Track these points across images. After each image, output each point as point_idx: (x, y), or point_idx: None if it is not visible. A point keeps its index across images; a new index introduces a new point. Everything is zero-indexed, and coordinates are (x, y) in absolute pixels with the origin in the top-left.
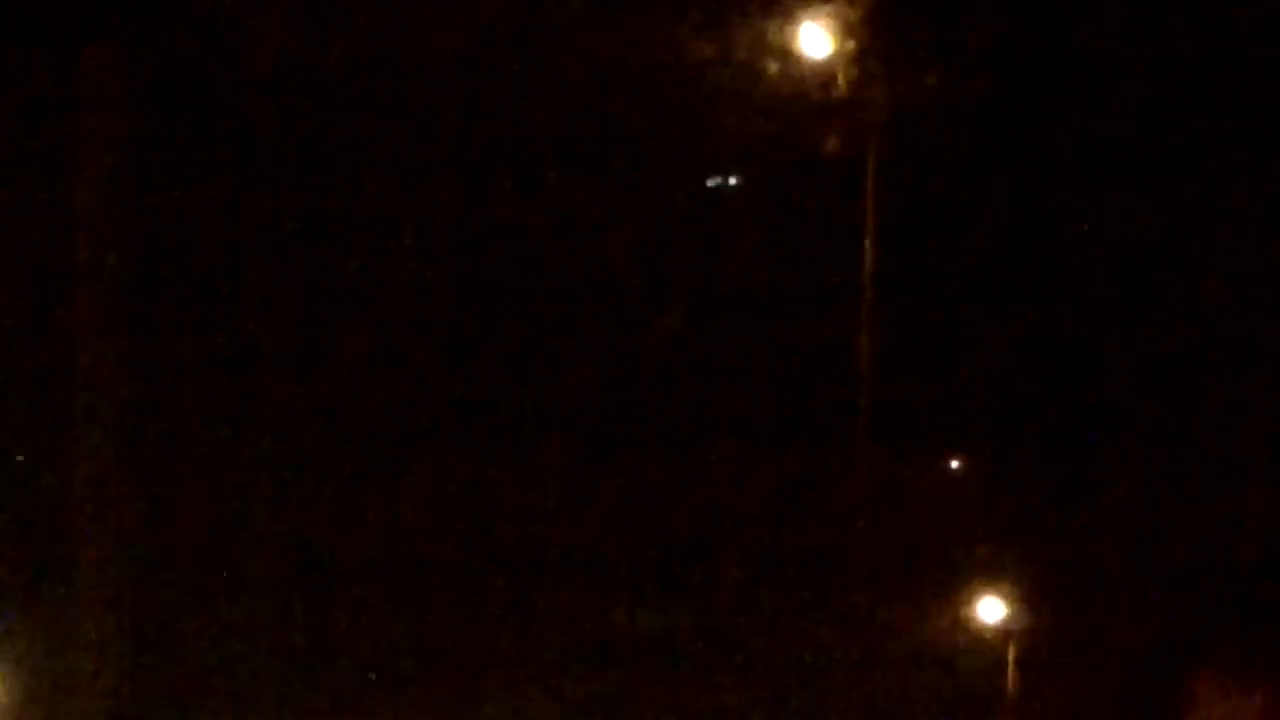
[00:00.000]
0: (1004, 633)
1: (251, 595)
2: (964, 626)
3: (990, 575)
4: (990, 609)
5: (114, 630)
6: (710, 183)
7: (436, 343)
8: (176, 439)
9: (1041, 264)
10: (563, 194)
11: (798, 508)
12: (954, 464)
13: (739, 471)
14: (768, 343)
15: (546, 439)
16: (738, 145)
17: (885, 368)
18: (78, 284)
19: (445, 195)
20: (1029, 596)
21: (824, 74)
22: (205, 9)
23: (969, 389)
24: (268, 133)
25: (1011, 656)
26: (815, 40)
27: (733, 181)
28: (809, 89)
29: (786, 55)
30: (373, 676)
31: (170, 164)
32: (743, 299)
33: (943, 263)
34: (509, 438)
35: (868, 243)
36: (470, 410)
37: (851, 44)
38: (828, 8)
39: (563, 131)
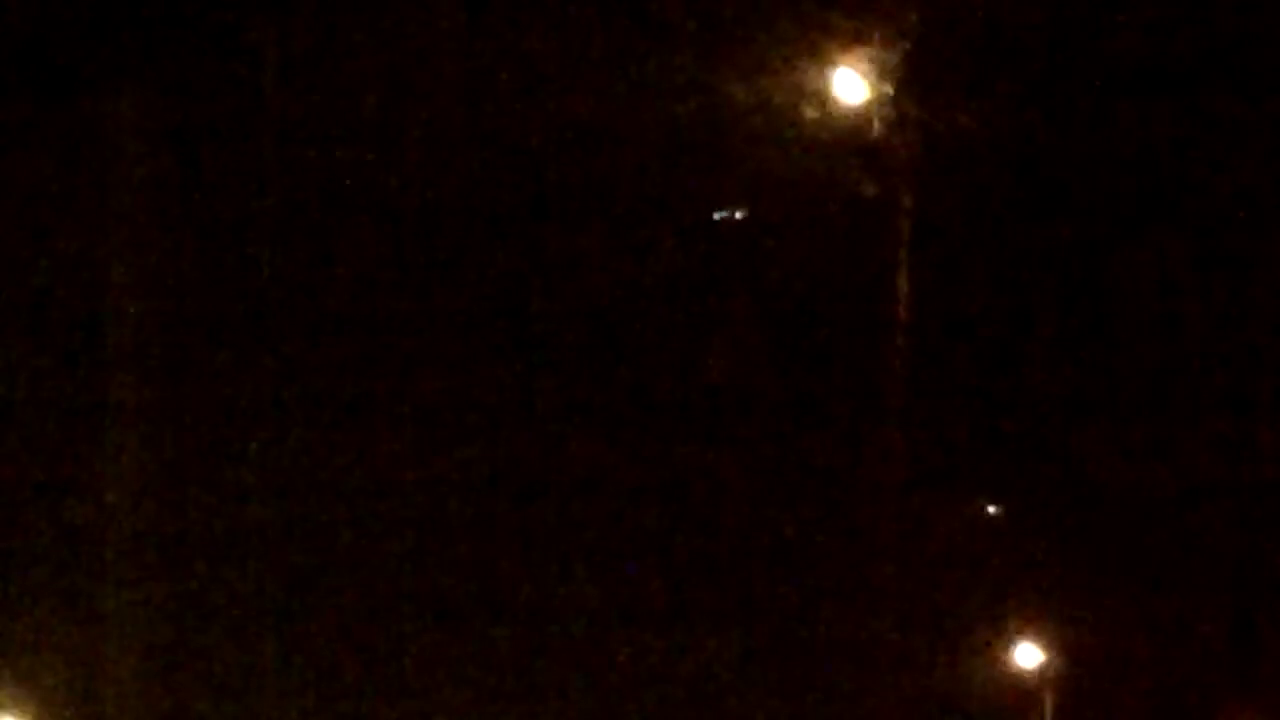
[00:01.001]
0: (1040, 677)
1: (282, 606)
2: (1000, 671)
3: (1026, 620)
4: (1026, 654)
5: (142, 647)
6: (717, 215)
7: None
8: (205, 461)
9: (1079, 306)
10: (598, 236)
11: (833, 551)
12: (990, 509)
13: (774, 514)
14: (802, 386)
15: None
16: (774, 186)
17: (920, 412)
18: (108, 324)
19: (471, 237)
20: (1065, 641)
21: (858, 116)
22: (229, 59)
23: (1004, 433)
24: (289, 174)
25: (1048, 701)
26: (850, 83)
27: (739, 215)
28: (843, 131)
29: (821, 98)
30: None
31: (196, 205)
32: (777, 340)
33: (978, 305)
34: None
35: (902, 284)
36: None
37: (886, 87)
38: (862, 51)
39: (599, 175)
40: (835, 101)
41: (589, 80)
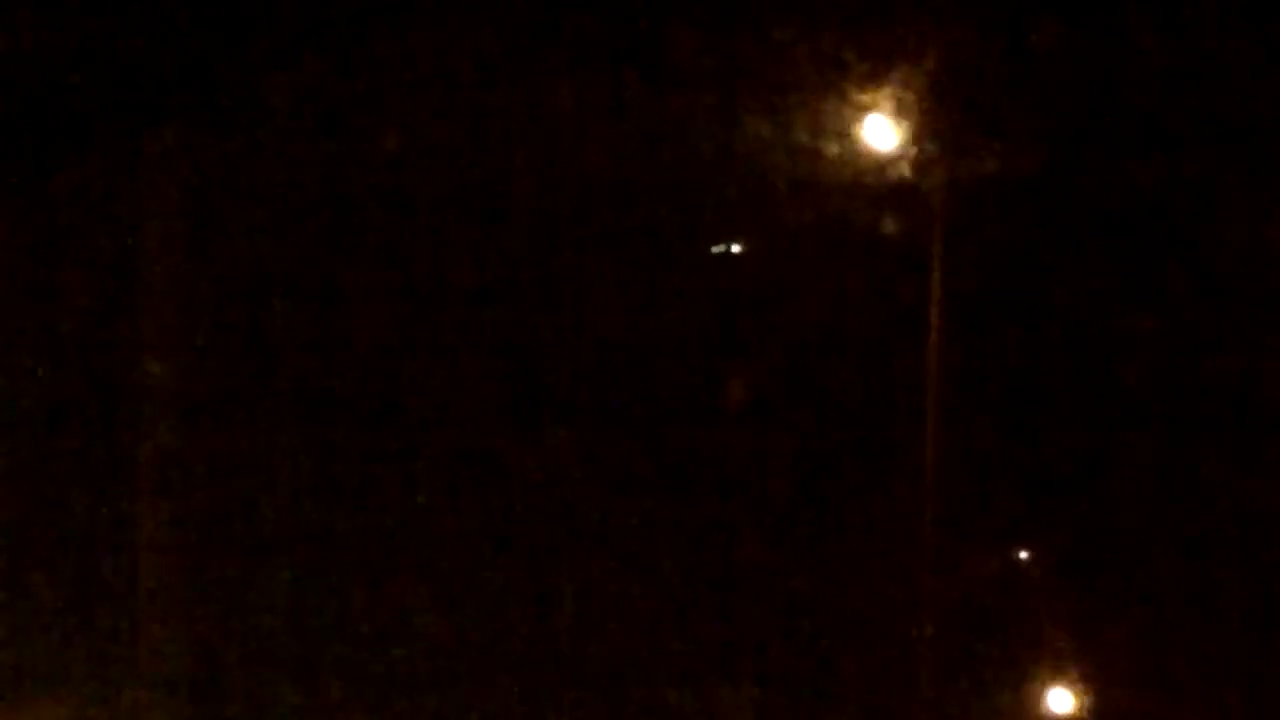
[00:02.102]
0: None
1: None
2: (1033, 718)
3: (1058, 667)
4: (1059, 700)
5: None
6: (715, 250)
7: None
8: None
9: (1113, 350)
10: (618, 280)
11: (863, 597)
12: (1022, 554)
13: (801, 558)
14: (830, 430)
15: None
16: (797, 228)
17: (950, 458)
18: (144, 365)
19: (508, 269)
20: (1097, 689)
21: (884, 156)
22: (263, 94)
23: (1037, 479)
24: (326, 212)
25: None
26: (875, 123)
27: (735, 249)
28: (870, 173)
29: (846, 137)
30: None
31: (230, 243)
32: (804, 386)
33: (1009, 350)
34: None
35: (932, 328)
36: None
37: (912, 125)
38: (887, 90)
39: (620, 219)
40: (860, 143)
41: (612, 124)
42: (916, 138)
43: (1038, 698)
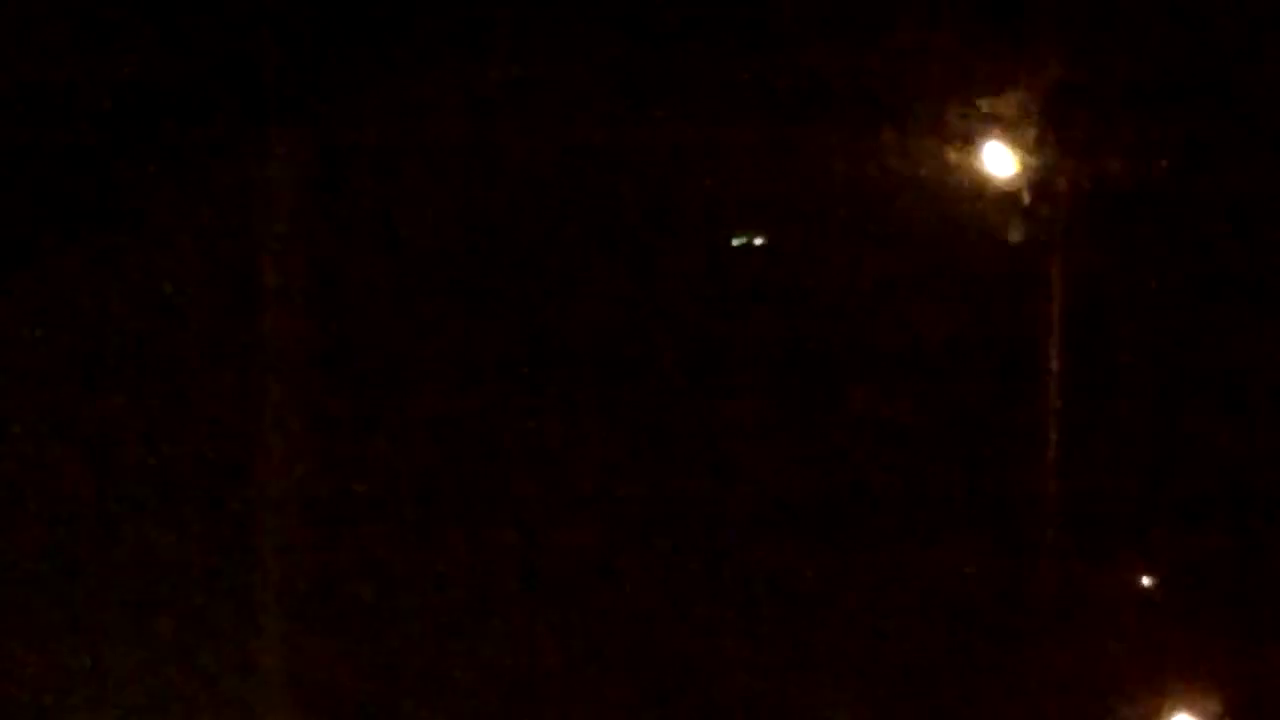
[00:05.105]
0: None
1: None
2: None
3: (1183, 693)
4: None
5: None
6: (736, 241)
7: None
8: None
9: (1243, 367)
10: (762, 281)
11: (983, 614)
12: (1145, 580)
13: (924, 572)
14: (951, 450)
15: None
16: (919, 236)
17: (1074, 479)
18: (265, 360)
19: (609, 275)
20: (1223, 710)
21: (1005, 163)
22: (384, 97)
23: (1162, 501)
24: (439, 212)
25: None
26: (998, 128)
27: (758, 242)
28: (990, 178)
29: (967, 142)
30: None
31: (351, 237)
32: (925, 405)
33: (1134, 369)
34: None
35: (1055, 348)
36: None
37: (1033, 132)
38: (1011, 96)
39: (756, 245)
40: (983, 148)
41: (747, 148)
42: (1040, 143)
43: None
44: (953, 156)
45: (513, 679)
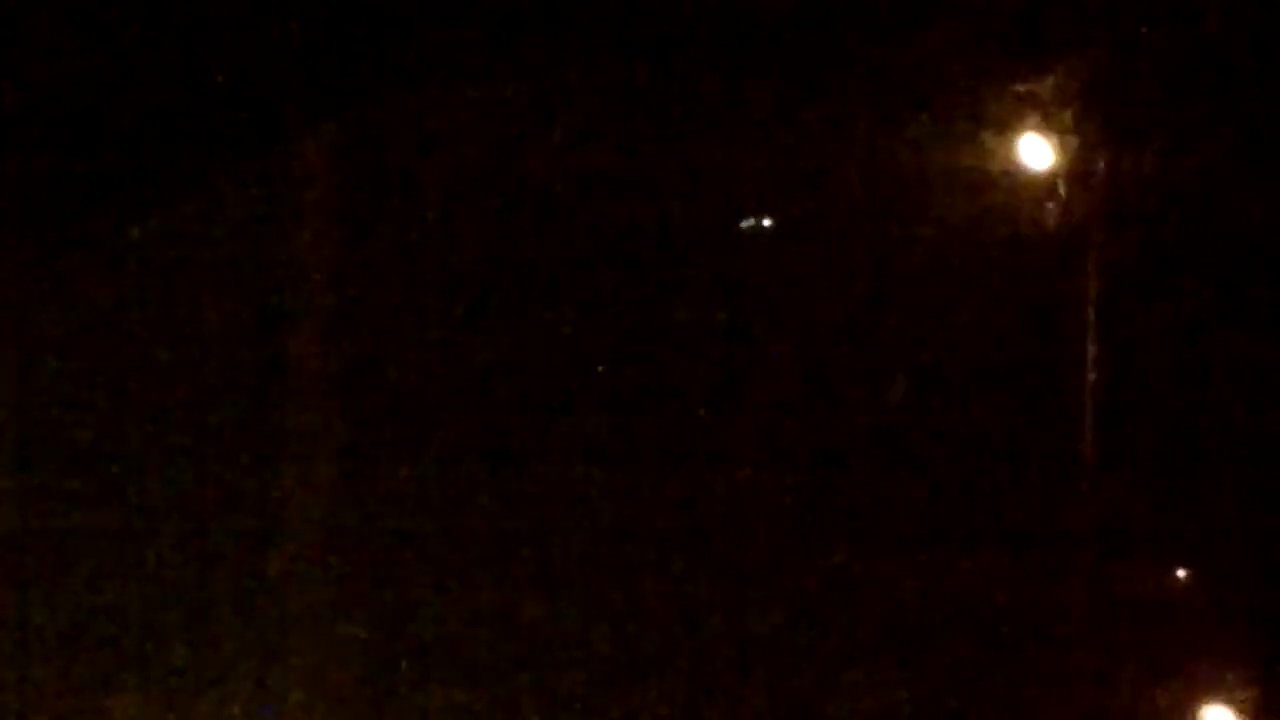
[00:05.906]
0: None
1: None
2: None
3: (1217, 685)
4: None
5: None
6: (744, 224)
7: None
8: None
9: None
10: (784, 296)
11: (1020, 618)
12: (1180, 573)
13: (961, 576)
14: (988, 444)
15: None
16: (954, 225)
17: (1109, 473)
18: (293, 361)
19: (631, 297)
20: (1257, 708)
21: (1042, 151)
22: (403, 120)
23: (1197, 494)
24: (467, 218)
25: None
26: (1035, 115)
27: (766, 223)
28: (1026, 167)
29: (1003, 130)
30: None
31: (380, 239)
32: (960, 399)
33: (1170, 362)
34: None
35: (1090, 340)
36: None
37: (1068, 119)
38: (1049, 82)
39: (789, 233)
40: (1020, 134)
41: (783, 148)
42: (1077, 130)
43: (1196, 715)
44: (989, 140)
45: (535, 703)
